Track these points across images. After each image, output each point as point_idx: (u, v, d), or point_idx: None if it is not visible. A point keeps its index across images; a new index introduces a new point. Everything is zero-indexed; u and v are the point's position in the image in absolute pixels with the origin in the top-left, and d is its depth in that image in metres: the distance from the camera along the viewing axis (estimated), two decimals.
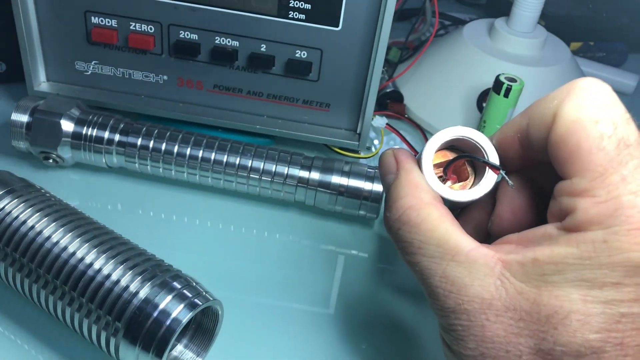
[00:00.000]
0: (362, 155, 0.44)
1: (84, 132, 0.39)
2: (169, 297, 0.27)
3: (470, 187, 0.26)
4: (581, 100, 0.21)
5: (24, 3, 0.39)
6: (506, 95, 0.42)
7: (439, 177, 0.26)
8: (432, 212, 0.24)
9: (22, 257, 0.29)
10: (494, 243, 0.24)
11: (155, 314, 0.26)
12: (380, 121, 0.45)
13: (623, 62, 0.62)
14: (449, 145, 0.26)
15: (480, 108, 0.47)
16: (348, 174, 0.38)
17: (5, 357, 0.30)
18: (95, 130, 0.39)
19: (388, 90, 0.50)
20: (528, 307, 0.21)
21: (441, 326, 0.24)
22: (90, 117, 0.39)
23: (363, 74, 0.40)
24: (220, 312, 0.29)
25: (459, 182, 0.26)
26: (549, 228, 0.22)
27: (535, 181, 0.26)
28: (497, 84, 0.42)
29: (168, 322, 0.26)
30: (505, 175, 0.25)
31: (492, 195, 0.25)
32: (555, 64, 0.49)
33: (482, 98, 0.47)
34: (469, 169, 0.26)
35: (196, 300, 0.27)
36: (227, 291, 0.31)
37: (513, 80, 0.42)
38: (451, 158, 0.26)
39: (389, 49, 0.54)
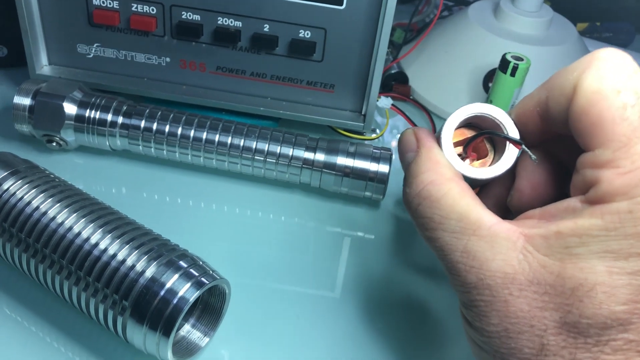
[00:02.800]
0: (367, 137, 0.44)
1: (87, 114, 0.38)
2: (176, 276, 0.27)
3: (490, 164, 0.26)
4: (602, 71, 0.21)
5: None
6: (513, 74, 0.41)
7: (459, 156, 0.26)
8: (453, 187, 0.23)
9: (28, 237, 0.29)
10: (516, 219, 0.24)
11: (162, 293, 0.26)
12: (385, 102, 0.44)
13: (630, 43, 0.62)
14: (467, 123, 0.26)
15: (486, 88, 0.47)
16: (353, 155, 0.38)
17: (12, 339, 0.30)
18: (99, 112, 0.38)
19: (393, 71, 0.49)
20: (552, 281, 0.21)
21: (462, 303, 0.23)
22: (93, 99, 0.39)
23: (368, 53, 0.40)
24: (227, 291, 0.29)
25: (478, 159, 0.26)
26: (572, 201, 0.22)
27: (555, 155, 0.25)
28: (504, 63, 0.42)
29: (175, 301, 0.26)
30: (527, 150, 0.24)
31: (512, 170, 0.25)
32: (562, 44, 0.48)
33: (489, 78, 0.46)
34: (487, 145, 0.26)
35: (203, 278, 0.27)
36: (232, 274, 0.31)
37: (520, 59, 0.42)
38: (469, 136, 0.26)
39: (393, 30, 0.53)
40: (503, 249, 0.22)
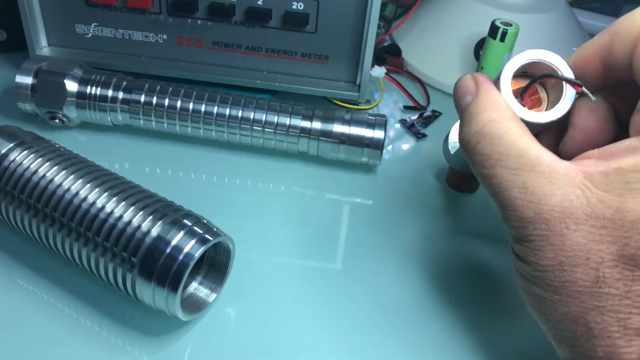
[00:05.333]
0: (362, 107, 0.45)
1: (88, 91, 0.39)
2: (181, 234, 0.28)
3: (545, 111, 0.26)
4: None
5: None
6: (502, 39, 0.42)
7: None
8: (514, 126, 0.24)
9: (37, 203, 0.30)
10: (573, 159, 0.24)
11: (168, 250, 0.27)
12: (379, 71, 0.45)
13: (619, 12, 0.62)
14: (521, 73, 0.26)
15: (477, 57, 0.47)
16: (349, 122, 0.39)
17: (24, 307, 0.30)
18: (99, 89, 0.39)
19: (386, 44, 0.50)
20: (611, 215, 0.21)
21: (514, 238, 0.24)
22: (94, 76, 0.40)
23: (360, 23, 0.41)
24: (231, 248, 0.30)
25: (532, 108, 0.26)
26: (633, 141, 0.22)
27: (608, 102, 0.26)
28: (493, 29, 0.42)
29: (181, 257, 0.27)
30: (587, 91, 0.25)
31: (565, 117, 0.26)
32: (550, 11, 0.49)
33: (479, 47, 0.47)
34: (541, 94, 0.26)
35: (207, 235, 0.28)
36: (235, 242, 0.31)
37: (508, 24, 0.42)
38: (523, 85, 0.26)
39: (384, 5, 0.54)
40: (562, 184, 0.22)
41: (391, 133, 0.45)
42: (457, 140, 0.37)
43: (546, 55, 0.25)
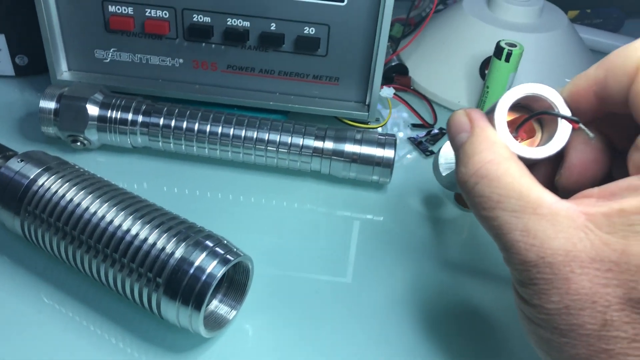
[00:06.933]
0: (371, 125, 0.46)
1: (108, 114, 0.41)
2: (203, 255, 0.29)
3: (538, 144, 0.26)
4: None
5: None
6: (507, 59, 0.44)
7: None
8: (512, 166, 0.24)
9: (65, 226, 0.31)
10: (572, 198, 0.23)
11: (191, 271, 0.29)
12: (388, 91, 0.47)
13: (620, 28, 0.64)
14: (515, 104, 0.26)
15: (482, 76, 0.49)
16: (360, 142, 0.40)
17: (51, 325, 0.32)
18: (119, 112, 0.41)
19: (393, 63, 0.52)
20: (616, 258, 0.21)
21: (518, 281, 0.24)
22: (114, 100, 0.41)
23: (370, 46, 0.42)
24: (250, 267, 0.31)
25: (526, 140, 0.26)
26: (634, 180, 0.22)
27: (604, 133, 0.26)
28: (498, 50, 0.44)
29: (204, 277, 0.28)
30: (584, 128, 0.24)
31: (560, 152, 0.26)
32: (553, 30, 0.51)
33: (485, 66, 0.48)
34: (535, 125, 0.26)
35: (228, 256, 0.29)
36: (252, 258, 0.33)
37: (513, 45, 0.44)
38: (517, 117, 0.26)
39: (391, 25, 0.55)
40: (564, 227, 0.22)
41: (400, 151, 0.47)
42: (448, 161, 0.38)
43: (541, 89, 0.25)
